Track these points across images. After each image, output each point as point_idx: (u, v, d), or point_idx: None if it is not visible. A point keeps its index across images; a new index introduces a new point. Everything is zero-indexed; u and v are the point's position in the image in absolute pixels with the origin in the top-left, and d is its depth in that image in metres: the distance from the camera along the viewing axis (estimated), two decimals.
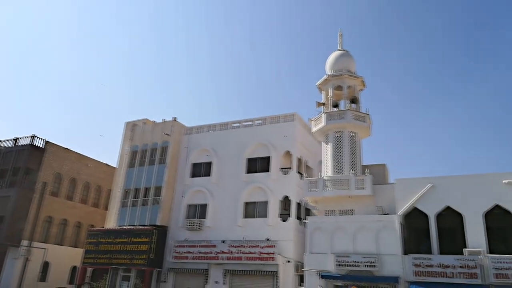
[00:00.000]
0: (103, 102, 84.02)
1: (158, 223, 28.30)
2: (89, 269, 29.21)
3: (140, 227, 28.42)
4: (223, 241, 25.65)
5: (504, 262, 16.61)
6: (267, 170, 26.76)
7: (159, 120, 32.11)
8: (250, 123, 29.06)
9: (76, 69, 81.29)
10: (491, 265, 16.75)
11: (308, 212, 26.54)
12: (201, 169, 29.52)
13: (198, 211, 28.22)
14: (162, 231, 28.21)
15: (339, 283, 19.51)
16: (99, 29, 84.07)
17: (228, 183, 27.72)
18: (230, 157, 28.38)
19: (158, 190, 29.54)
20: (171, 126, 31.03)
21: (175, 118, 31.30)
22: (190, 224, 27.23)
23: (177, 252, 26.83)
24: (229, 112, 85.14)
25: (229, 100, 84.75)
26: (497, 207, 18.32)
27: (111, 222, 30.73)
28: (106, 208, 34.18)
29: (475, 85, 65.62)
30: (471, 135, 64.46)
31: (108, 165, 37.84)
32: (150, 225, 28.31)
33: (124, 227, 28.92)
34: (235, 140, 28.68)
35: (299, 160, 27.16)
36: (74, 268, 33.02)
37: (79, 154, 35.71)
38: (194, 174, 29.63)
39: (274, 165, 26.59)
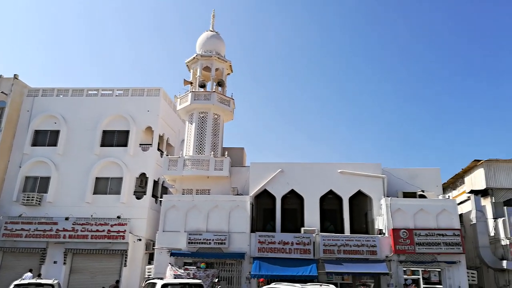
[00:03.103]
0: None
1: None
2: None
3: None
4: (67, 218, 23.42)
5: (331, 240, 19.36)
6: (125, 145, 25.30)
7: None
8: (110, 92, 26.90)
9: None
10: (322, 242, 19.33)
11: (165, 190, 26.20)
12: (46, 138, 26.09)
13: (38, 185, 25.01)
14: None
15: (189, 260, 19.92)
16: None
17: (77, 156, 25.22)
18: (83, 127, 25.83)
19: None
20: (10, 84, 26.51)
21: (16, 75, 26.84)
22: (27, 198, 23.95)
23: (8, 229, 23.36)
24: (86, 79, 77.26)
25: (87, 66, 76.83)
26: (330, 192, 21.20)
27: None
28: None
29: (333, 76, 74.17)
30: (318, 126, 72.91)
31: None
32: None
33: None
34: (91, 109, 26.18)
35: (161, 137, 26.49)
36: None
37: None
38: (36, 143, 26.01)
39: (133, 140, 25.31)
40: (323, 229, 20.75)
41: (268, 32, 78.23)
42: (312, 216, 20.65)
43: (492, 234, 20.74)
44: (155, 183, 25.40)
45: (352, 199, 21.14)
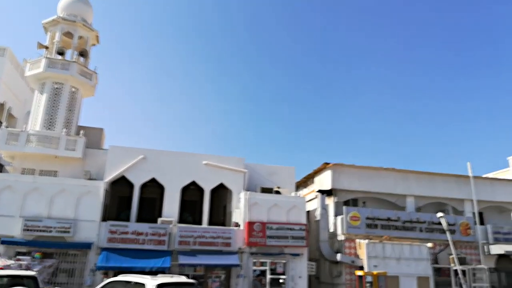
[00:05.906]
0: None
1: None
2: None
3: None
4: None
5: (188, 231, 19.06)
6: None
7: None
8: None
9: None
10: (178, 233, 18.88)
11: (0, 168, 22.26)
12: None
13: None
14: None
15: (23, 249, 17.34)
16: None
17: None
18: None
19: None
20: None
21: None
22: None
23: None
24: None
25: None
26: (193, 183, 20.93)
27: None
28: None
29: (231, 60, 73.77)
30: (187, 114, 72.19)
31: None
32: None
33: None
34: None
35: (1, 105, 22.45)
36: None
37: None
38: None
39: None
40: (181, 220, 20.37)
41: (143, 10, 74.19)
42: (171, 206, 20.06)
43: (331, 230, 23.29)
44: None
45: (213, 192, 21.25)
